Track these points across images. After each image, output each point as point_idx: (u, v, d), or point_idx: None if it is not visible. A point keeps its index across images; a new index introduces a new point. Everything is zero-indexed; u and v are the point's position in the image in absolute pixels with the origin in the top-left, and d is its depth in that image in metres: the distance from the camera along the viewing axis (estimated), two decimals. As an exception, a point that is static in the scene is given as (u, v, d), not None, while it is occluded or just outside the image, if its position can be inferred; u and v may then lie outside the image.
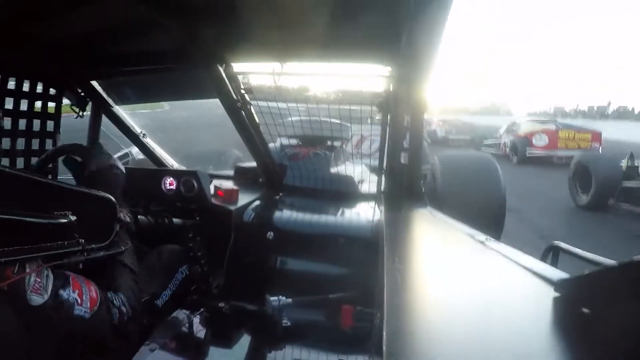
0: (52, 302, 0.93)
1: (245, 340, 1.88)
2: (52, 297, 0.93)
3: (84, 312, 0.98)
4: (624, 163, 7.14)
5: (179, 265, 1.72)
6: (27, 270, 0.89)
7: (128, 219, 1.48)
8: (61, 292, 0.95)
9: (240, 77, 1.89)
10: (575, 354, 0.65)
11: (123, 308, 1.11)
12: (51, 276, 0.94)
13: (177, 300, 1.69)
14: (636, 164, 7.06)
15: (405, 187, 1.98)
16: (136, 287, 1.26)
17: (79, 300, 0.98)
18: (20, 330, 0.87)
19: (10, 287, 0.86)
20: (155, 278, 1.62)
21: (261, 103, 2.00)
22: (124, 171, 1.52)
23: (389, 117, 2.04)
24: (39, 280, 0.91)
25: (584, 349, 0.65)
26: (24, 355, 0.89)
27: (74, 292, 0.98)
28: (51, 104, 2.03)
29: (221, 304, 1.88)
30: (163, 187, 1.99)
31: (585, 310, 0.69)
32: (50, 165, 1.77)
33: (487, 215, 3.23)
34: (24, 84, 1.84)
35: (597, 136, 13.02)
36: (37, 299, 0.90)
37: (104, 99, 2.25)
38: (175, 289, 1.65)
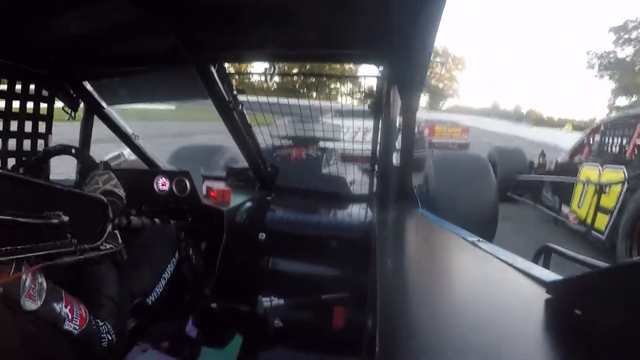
0: (43, 311, 0.91)
1: (237, 341, 1.88)
2: (44, 306, 0.91)
3: (73, 328, 0.97)
4: (536, 159, 7.61)
5: (168, 259, 1.68)
6: (23, 272, 0.88)
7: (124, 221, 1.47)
8: (54, 304, 0.94)
9: (232, 78, 1.89)
10: (567, 355, 0.65)
11: (109, 336, 1.09)
12: (44, 285, 0.93)
13: (169, 301, 1.68)
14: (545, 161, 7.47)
15: (397, 189, 1.99)
16: (121, 313, 1.22)
17: (70, 316, 0.97)
18: (16, 334, 0.86)
19: (6, 290, 0.85)
20: (144, 276, 1.58)
21: (253, 104, 2.00)
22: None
23: (381, 118, 2.05)
24: (33, 286, 0.90)
25: (576, 350, 0.65)
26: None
27: (66, 307, 0.96)
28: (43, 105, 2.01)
29: (213, 305, 1.87)
30: (156, 187, 1.97)
31: (577, 311, 0.70)
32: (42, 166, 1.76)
33: (480, 216, 3.27)
34: (16, 85, 1.82)
35: (465, 130, 17.79)
36: (30, 305, 0.88)
37: (96, 100, 2.22)
38: (166, 284, 1.62)
